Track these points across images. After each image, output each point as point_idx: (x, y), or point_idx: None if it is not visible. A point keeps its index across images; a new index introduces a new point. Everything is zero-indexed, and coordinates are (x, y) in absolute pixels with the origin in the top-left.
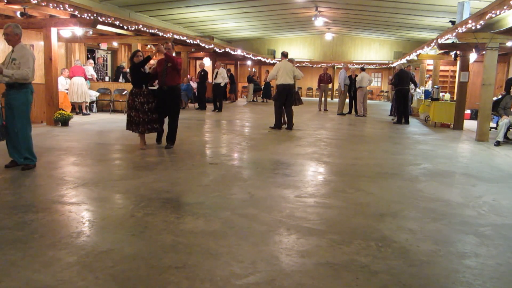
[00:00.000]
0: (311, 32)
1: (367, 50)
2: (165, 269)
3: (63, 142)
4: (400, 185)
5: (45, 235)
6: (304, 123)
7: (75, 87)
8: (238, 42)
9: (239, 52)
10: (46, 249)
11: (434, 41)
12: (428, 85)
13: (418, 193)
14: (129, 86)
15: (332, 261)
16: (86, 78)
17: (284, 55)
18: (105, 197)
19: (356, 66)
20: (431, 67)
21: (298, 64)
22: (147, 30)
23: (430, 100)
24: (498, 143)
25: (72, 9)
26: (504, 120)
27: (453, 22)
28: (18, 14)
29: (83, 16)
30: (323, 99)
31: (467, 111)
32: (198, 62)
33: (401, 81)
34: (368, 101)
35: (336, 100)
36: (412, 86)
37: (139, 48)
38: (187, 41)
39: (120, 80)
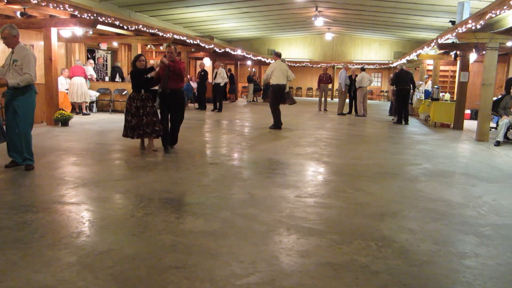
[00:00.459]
0: (311, 32)
1: (367, 50)
2: (165, 269)
3: (63, 142)
4: (400, 185)
5: (45, 235)
6: (304, 123)
7: (75, 87)
8: (238, 42)
9: (239, 52)
10: (46, 249)
11: (434, 41)
12: (428, 85)
13: (418, 193)
14: (128, 86)
15: (332, 261)
16: (86, 78)
17: (278, 55)
18: (105, 197)
19: (356, 66)
20: (431, 67)
21: (298, 64)
22: (147, 30)
23: (430, 100)
24: (498, 143)
25: (72, 9)
26: (504, 120)
27: (453, 22)
28: (18, 14)
29: (83, 16)
30: (323, 99)
31: (467, 111)
32: (198, 62)
33: (401, 81)
34: (368, 101)
35: (336, 100)
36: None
37: (139, 48)
38: (187, 41)
39: (117, 79)
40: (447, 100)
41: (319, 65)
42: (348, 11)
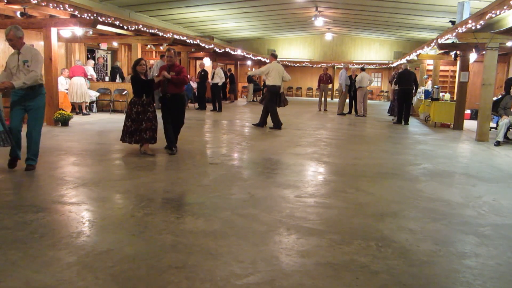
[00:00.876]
0: (311, 32)
1: (367, 50)
2: (165, 269)
3: (63, 142)
4: (400, 185)
5: (45, 235)
6: (304, 123)
7: (75, 87)
8: (238, 42)
9: (239, 52)
10: (46, 249)
11: (434, 41)
12: (428, 85)
13: (418, 193)
14: (129, 86)
15: (332, 261)
16: (86, 77)
17: (275, 56)
18: (105, 197)
19: (356, 66)
20: (431, 67)
21: (298, 64)
22: (147, 30)
23: (430, 100)
24: (498, 143)
25: (72, 9)
26: (504, 120)
27: (453, 22)
28: (18, 14)
29: (83, 16)
30: (323, 99)
31: (467, 111)
32: (198, 62)
33: (404, 80)
34: (368, 101)
35: (336, 100)
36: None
37: (139, 48)
38: (187, 41)
39: (117, 80)
40: (447, 100)
41: (319, 65)
42: (348, 11)
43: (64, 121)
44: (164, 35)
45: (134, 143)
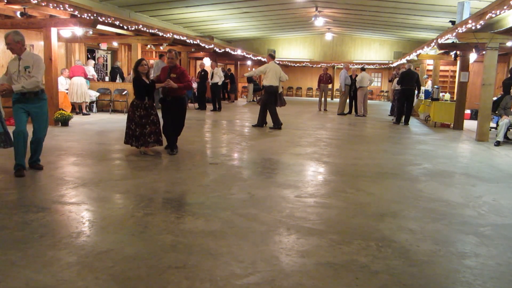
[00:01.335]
0: (311, 32)
1: (367, 50)
2: (165, 269)
3: (63, 142)
4: (400, 185)
5: (45, 235)
6: (304, 123)
7: (75, 87)
8: (238, 42)
9: (239, 52)
10: (46, 249)
11: (434, 41)
12: (428, 85)
13: (418, 193)
14: (128, 86)
15: (332, 261)
16: (86, 77)
17: (272, 56)
18: (105, 197)
19: (356, 66)
20: (431, 67)
21: (298, 64)
22: (147, 30)
23: (430, 100)
24: (498, 143)
25: (72, 9)
26: (504, 120)
27: (453, 22)
28: (18, 14)
29: (83, 16)
30: (323, 99)
31: (467, 111)
32: (198, 62)
33: (407, 81)
34: (368, 101)
35: (336, 100)
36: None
37: (139, 48)
38: (187, 41)
39: (117, 80)
40: (447, 100)
41: (319, 65)
42: (348, 11)
43: (64, 121)
44: (164, 35)
45: (139, 147)
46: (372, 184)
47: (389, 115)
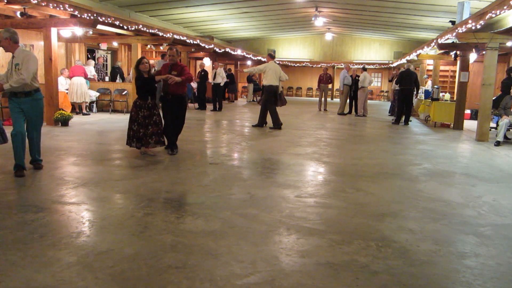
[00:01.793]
0: (311, 32)
1: (367, 50)
2: (165, 269)
3: (63, 142)
4: (400, 185)
5: (45, 235)
6: (304, 123)
7: (75, 87)
8: (238, 42)
9: (239, 52)
10: (46, 249)
11: (434, 41)
12: (428, 85)
13: (418, 193)
14: (128, 86)
15: (332, 261)
16: (86, 77)
17: (272, 56)
18: (105, 197)
19: (357, 66)
20: (431, 67)
21: (298, 64)
22: (147, 30)
23: (430, 100)
24: (498, 143)
25: (72, 9)
26: (504, 120)
27: (453, 22)
28: (18, 14)
29: (83, 16)
30: (323, 99)
31: (467, 111)
32: (198, 62)
33: (405, 80)
34: (368, 101)
35: (336, 100)
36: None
37: (139, 48)
38: (187, 41)
39: (118, 80)
40: (447, 100)
41: (319, 65)
42: (348, 11)
43: (64, 121)
44: (164, 35)
45: (141, 147)
46: (372, 184)
47: (388, 114)
